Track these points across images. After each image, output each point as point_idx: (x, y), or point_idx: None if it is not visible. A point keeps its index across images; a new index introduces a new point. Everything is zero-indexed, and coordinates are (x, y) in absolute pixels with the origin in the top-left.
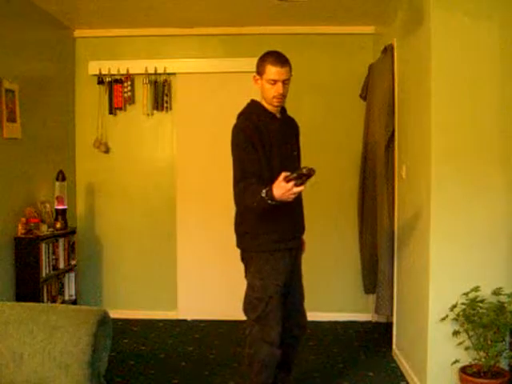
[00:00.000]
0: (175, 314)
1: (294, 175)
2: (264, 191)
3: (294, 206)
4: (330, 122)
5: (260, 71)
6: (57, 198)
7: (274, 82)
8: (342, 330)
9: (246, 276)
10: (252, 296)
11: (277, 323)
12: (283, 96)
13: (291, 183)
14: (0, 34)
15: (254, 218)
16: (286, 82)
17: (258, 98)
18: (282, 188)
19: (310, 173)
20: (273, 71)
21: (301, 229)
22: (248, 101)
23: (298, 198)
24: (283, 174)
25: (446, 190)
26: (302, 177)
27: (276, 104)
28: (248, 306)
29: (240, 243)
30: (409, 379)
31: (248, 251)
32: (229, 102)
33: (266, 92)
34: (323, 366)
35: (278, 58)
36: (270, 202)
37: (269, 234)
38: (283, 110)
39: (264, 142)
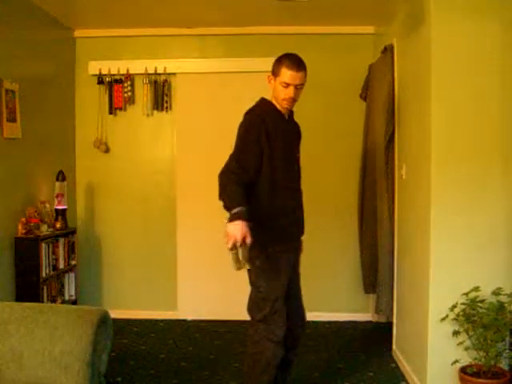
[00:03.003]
0: (175, 314)
1: (244, 248)
2: (239, 209)
3: (296, 207)
4: (330, 122)
5: (275, 72)
6: (57, 195)
7: (287, 85)
8: (342, 330)
9: (249, 276)
10: (258, 296)
11: (283, 322)
12: (293, 100)
13: (237, 242)
14: (0, 34)
15: (254, 216)
16: (298, 87)
17: (267, 97)
18: (236, 232)
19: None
20: (287, 75)
21: (302, 229)
22: (249, 100)
23: (299, 200)
24: (249, 240)
25: (446, 189)
26: (242, 256)
27: (285, 106)
28: (253, 306)
29: None
30: (409, 379)
31: (251, 250)
32: (229, 102)
33: (277, 93)
34: (323, 366)
35: (295, 63)
36: (229, 214)
37: (272, 233)
38: (290, 112)
39: (270, 140)
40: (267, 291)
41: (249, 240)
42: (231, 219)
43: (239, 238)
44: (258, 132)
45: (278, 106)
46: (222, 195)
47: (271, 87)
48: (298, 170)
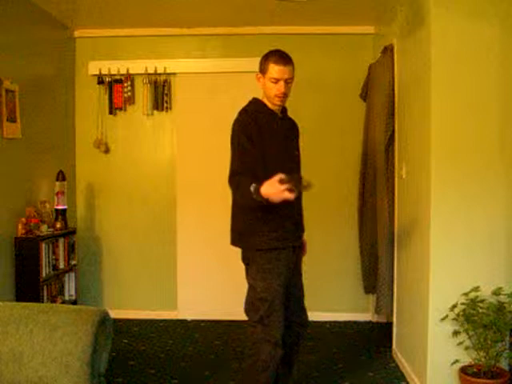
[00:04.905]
0: (175, 314)
1: (288, 178)
2: (253, 186)
3: (294, 205)
4: (330, 122)
5: (263, 69)
6: (57, 194)
7: (277, 80)
8: (342, 329)
9: (246, 277)
10: (254, 297)
11: (279, 323)
12: (285, 95)
13: (284, 186)
14: (0, 34)
15: (252, 215)
16: (288, 81)
17: (259, 97)
18: (274, 188)
19: (308, 185)
20: (275, 70)
21: (301, 227)
22: (249, 100)
23: (298, 198)
24: (279, 175)
25: (446, 189)
26: (298, 185)
27: (278, 103)
28: (250, 307)
29: (239, 242)
30: (409, 379)
31: (249, 250)
32: (229, 102)
33: (268, 90)
34: (323, 366)
35: (281, 57)
36: (255, 197)
37: (270, 233)
38: (284, 109)
39: (263, 138)
40: (264, 291)
41: (284, 186)
42: (256, 193)
43: (277, 195)
44: (250, 131)
45: (270, 105)
46: (240, 199)
47: (261, 86)
48: (296, 168)
